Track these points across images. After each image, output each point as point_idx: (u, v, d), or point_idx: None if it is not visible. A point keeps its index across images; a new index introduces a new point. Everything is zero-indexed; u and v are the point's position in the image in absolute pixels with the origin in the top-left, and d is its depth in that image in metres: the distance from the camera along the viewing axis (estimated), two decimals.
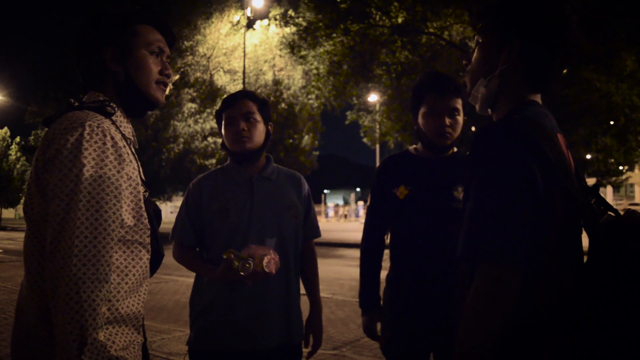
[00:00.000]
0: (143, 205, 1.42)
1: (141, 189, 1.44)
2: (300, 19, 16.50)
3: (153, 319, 6.26)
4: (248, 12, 23.33)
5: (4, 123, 47.08)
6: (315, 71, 17.26)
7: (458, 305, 1.40)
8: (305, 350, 2.36)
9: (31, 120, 26.43)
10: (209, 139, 23.64)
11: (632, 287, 1.19)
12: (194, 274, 2.33)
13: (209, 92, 24.11)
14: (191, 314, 2.29)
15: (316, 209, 2.43)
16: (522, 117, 1.31)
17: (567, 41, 1.39)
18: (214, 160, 23.49)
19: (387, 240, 2.43)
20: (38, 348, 1.30)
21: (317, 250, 2.50)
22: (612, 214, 1.31)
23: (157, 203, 1.53)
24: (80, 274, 1.21)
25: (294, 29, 17.41)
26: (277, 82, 24.96)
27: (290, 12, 17.50)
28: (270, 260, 2.04)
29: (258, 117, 2.28)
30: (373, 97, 20.85)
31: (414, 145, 2.42)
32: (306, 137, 26.63)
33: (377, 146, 25.19)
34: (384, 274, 2.38)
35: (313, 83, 18.05)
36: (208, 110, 23.74)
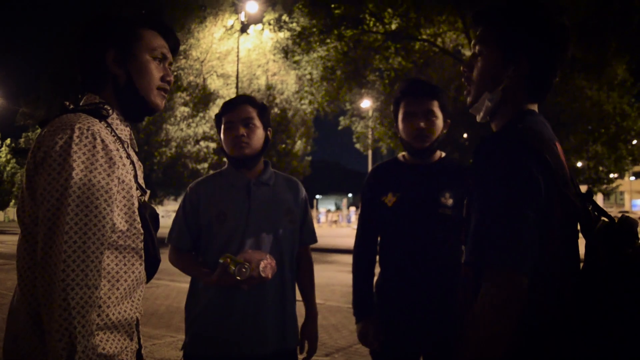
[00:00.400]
0: (136, 210, 1.40)
1: (135, 192, 1.42)
2: (294, 24, 16.53)
3: (144, 324, 6.21)
4: (242, 17, 23.31)
5: None
6: (308, 76, 17.27)
7: (460, 310, 1.42)
8: (300, 356, 2.35)
9: (22, 122, 26.29)
10: (202, 143, 23.56)
11: (630, 291, 1.22)
12: (185, 279, 2.32)
13: (201, 96, 24.06)
14: (186, 319, 2.27)
15: None
16: (525, 126, 1.35)
17: (567, 54, 1.43)
18: (206, 165, 23.41)
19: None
20: (29, 354, 1.28)
21: None
22: (606, 219, 1.33)
23: None
24: (69, 280, 1.19)
25: (287, 34, 17.43)
26: (270, 87, 24.96)
27: (284, 17, 17.52)
28: (266, 265, 2.04)
29: (257, 122, 2.28)
30: (366, 103, 20.89)
31: (403, 153, 2.44)
32: (299, 142, 26.63)
33: (370, 152, 25.22)
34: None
35: (306, 88, 18.06)
36: (201, 114, 23.68)
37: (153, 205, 1.56)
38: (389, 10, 14.88)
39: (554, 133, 1.46)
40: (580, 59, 12.80)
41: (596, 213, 1.36)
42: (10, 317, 1.36)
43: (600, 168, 19.09)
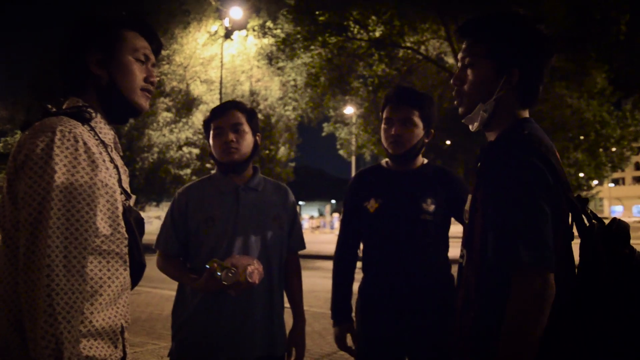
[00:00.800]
0: (120, 214, 1.37)
1: (120, 197, 1.39)
2: (279, 31, 16.55)
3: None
4: (226, 23, 23.25)
5: None
6: (292, 82, 17.32)
7: (459, 308, 1.47)
8: None
9: (0, 127, 25.86)
10: (184, 149, 23.40)
11: (629, 288, 1.28)
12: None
13: (185, 102, 23.93)
14: (173, 325, 2.25)
15: None
16: (530, 132, 1.41)
17: (552, 61, 1.51)
18: (188, 171, 23.25)
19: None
20: None
21: None
22: (596, 222, 1.38)
23: None
24: (53, 285, 1.16)
25: (272, 40, 17.47)
26: (254, 93, 24.92)
27: (269, 24, 17.56)
28: (253, 270, 2.02)
29: (246, 128, 2.27)
30: (350, 110, 20.97)
31: (386, 159, 2.46)
32: (282, 148, 26.59)
33: (353, 158, 25.29)
34: (356, 285, 2.39)
35: (290, 94, 18.10)
36: (184, 120, 23.54)
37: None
38: (373, 17, 15.00)
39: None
40: (560, 68, 13.00)
41: (592, 217, 1.41)
42: None
43: (581, 175, 19.38)
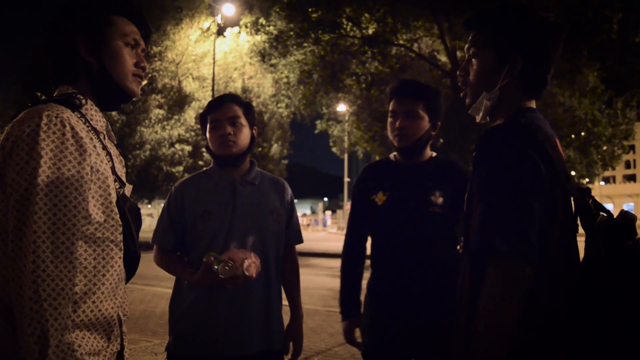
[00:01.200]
0: (113, 201, 1.35)
1: (113, 183, 1.37)
2: (272, 28, 16.48)
3: None
4: (219, 19, 23.17)
5: None
6: (285, 80, 17.25)
7: (457, 298, 1.47)
8: (285, 358, 2.32)
9: None
10: (176, 146, 23.32)
11: (630, 282, 1.27)
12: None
13: (177, 99, 23.84)
14: (170, 319, 2.24)
15: None
16: (527, 121, 1.40)
17: (559, 52, 1.51)
18: (181, 168, 23.17)
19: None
20: (3, 351, 1.23)
21: None
22: (605, 214, 1.37)
23: None
24: (39, 272, 1.14)
25: (264, 37, 17.36)
26: (246, 90, 24.85)
27: (262, 21, 17.42)
28: (250, 264, 2.01)
29: (243, 121, 2.26)
30: (343, 107, 20.95)
31: (394, 153, 2.44)
32: (275, 145, 26.58)
33: (346, 156, 25.31)
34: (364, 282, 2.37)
35: (283, 92, 18.03)
36: (176, 117, 23.45)
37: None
38: (366, 15, 14.97)
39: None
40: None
41: (595, 208, 1.39)
42: None
43: (573, 173, 19.48)
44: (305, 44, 15.64)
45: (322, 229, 45.10)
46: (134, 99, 1.53)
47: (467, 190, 1.57)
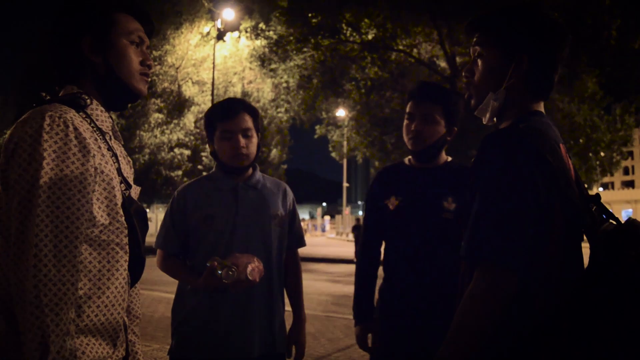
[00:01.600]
0: (119, 203, 1.32)
1: (118, 185, 1.34)
2: (271, 32, 16.51)
3: None
4: (218, 24, 23.19)
5: None
6: (285, 84, 17.29)
7: (457, 305, 1.42)
8: None
9: None
10: (176, 150, 23.31)
11: (630, 294, 1.22)
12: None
13: (176, 103, 23.84)
14: (173, 323, 2.24)
15: None
16: (527, 125, 1.36)
17: (565, 51, 1.46)
18: (180, 172, 23.16)
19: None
20: (7, 355, 1.21)
21: None
22: (614, 222, 1.33)
23: None
24: (40, 276, 1.12)
25: (264, 41, 17.39)
26: (246, 95, 24.86)
27: (262, 25, 17.46)
28: (254, 269, 2.01)
29: (254, 131, 2.26)
30: (342, 112, 20.97)
31: (409, 157, 2.41)
32: (274, 150, 26.58)
33: (345, 161, 25.30)
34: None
35: (282, 96, 18.08)
36: (175, 121, 23.45)
37: None
38: (366, 20, 15.02)
39: (560, 135, 1.47)
40: None
41: (604, 216, 1.36)
42: None
43: None
44: (305, 49, 15.68)
45: (321, 234, 45.06)
46: (140, 99, 1.50)
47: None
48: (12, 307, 1.18)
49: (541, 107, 1.48)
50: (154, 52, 22.63)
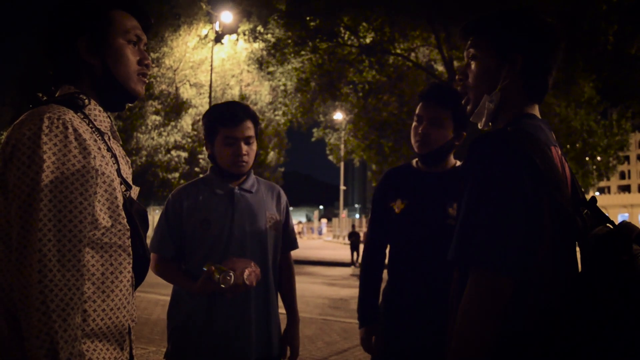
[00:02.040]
0: (120, 204, 1.31)
1: (119, 186, 1.32)
2: (269, 35, 16.52)
3: None
4: (217, 27, 23.23)
5: None
6: (282, 87, 17.29)
7: (450, 312, 1.42)
8: None
9: None
10: (173, 152, 23.29)
11: (621, 297, 1.20)
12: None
13: (174, 105, 23.83)
14: (169, 327, 2.23)
15: None
16: (515, 129, 1.34)
17: (559, 54, 1.45)
18: (177, 174, 23.14)
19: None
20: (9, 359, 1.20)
21: None
22: (610, 225, 1.32)
23: None
24: (46, 281, 1.10)
25: (262, 44, 17.41)
26: (243, 97, 24.86)
27: (260, 28, 17.47)
28: (251, 273, 2.01)
29: (255, 138, 2.26)
30: (339, 115, 20.98)
31: (416, 159, 2.38)
32: (272, 153, 26.58)
33: (342, 164, 25.31)
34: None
35: (280, 99, 18.06)
36: (172, 123, 23.43)
37: None
38: (364, 24, 15.04)
39: (554, 138, 1.45)
40: None
41: (597, 219, 1.35)
42: None
43: None
44: (302, 52, 15.69)
45: (318, 237, 45.05)
46: (138, 100, 1.48)
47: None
48: (14, 312, 1.17)
49: (535, 111, 1.47)
50: (151, 54, 22.63)
